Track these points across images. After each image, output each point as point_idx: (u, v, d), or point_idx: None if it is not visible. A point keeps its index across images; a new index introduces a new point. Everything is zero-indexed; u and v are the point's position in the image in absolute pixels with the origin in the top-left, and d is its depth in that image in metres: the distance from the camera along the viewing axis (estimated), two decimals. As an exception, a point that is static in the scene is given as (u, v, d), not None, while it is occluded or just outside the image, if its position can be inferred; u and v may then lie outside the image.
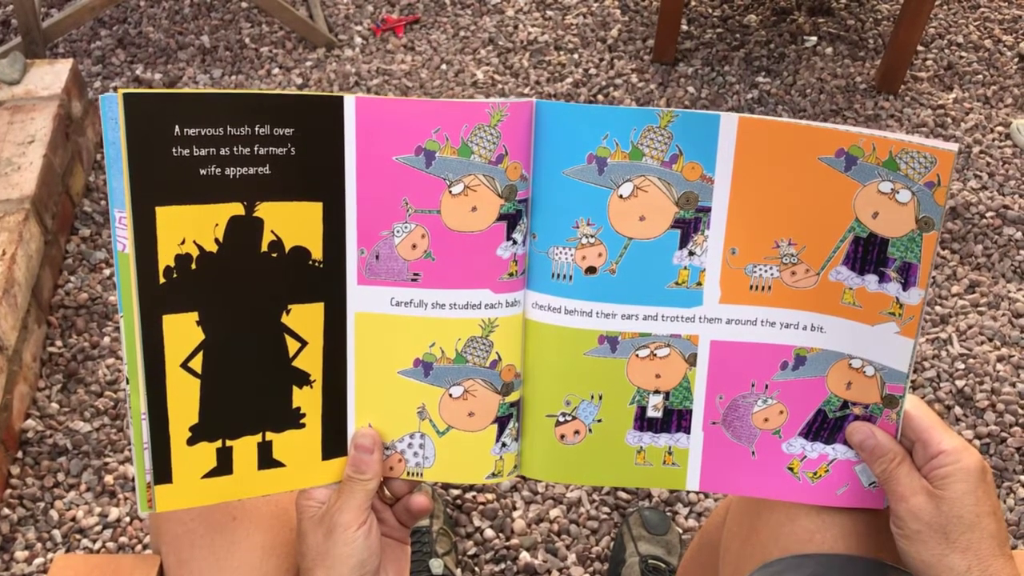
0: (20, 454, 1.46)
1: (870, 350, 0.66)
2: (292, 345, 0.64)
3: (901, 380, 0.66)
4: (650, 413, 0.70)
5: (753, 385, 0.68)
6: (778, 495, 0.71)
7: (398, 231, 0.65)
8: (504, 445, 0.70)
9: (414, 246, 0.65)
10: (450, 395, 0.68)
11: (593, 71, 2.16)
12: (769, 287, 0.66)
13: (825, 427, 0.69)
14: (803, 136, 0.62)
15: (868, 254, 0.64)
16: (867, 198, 0.63)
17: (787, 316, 0.67)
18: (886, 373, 0.66)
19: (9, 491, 1.42)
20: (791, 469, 0.70)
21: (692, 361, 0.69)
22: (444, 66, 2.17)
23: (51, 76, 1.83)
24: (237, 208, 0.60)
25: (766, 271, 0.66)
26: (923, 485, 0.63)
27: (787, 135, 0.63)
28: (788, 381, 0.68)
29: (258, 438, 0.65)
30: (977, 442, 1.52)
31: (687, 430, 0.70)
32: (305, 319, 0.64)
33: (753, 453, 0.70)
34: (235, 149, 0.59)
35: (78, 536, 1.38)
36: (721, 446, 0.70)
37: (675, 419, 0.70)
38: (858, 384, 0.67)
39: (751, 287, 0.66)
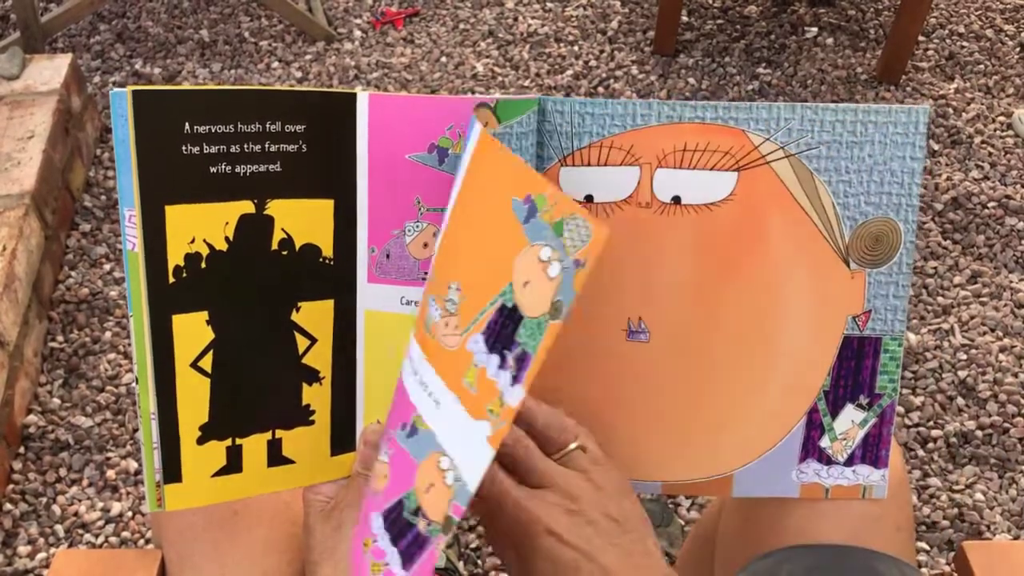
0: (22, 449, 1.46)
1: (462, 450, 0.53)
2: (302, 342, 0.64)
3: (465, 501, 0.51)
4: None
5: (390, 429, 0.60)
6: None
7: (409, 230, 0.64)
8: (510, 440, 0.69)
9: (425, 245, 0.65)
10: (457, 392, 0.67)
11: (593, 63, 2.15)
12: (430, 330, 0.57)
13: (397, 523, 0.56)
14: (515, 170, 0.53)
15: (505, 329, 0.52)
16: (526, 262, 0.51)
17: (427, 373, 0.56)
18: (459, 487, 0.52)
19: (11, 486, 1.42)
20: (365, 544, 0.59)
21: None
22: (444, 59, 2.16)
23: (50, 71, 1.82)
24: (247, 206, 0.60)
25: (434, 310, 0.56)
26: None
27: (508, 165, 0.54)
28: (399, 447, 0.58)
29: (268, 435, 0.65)
30: (980, 432, 1.52)
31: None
32: (315, 316, 0.64)
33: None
34: (246, 146, 0.58)
35: (80, 531, 1.38)
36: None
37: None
38: (435, 492, 0.54)
39: (425, 324, 0.57)
